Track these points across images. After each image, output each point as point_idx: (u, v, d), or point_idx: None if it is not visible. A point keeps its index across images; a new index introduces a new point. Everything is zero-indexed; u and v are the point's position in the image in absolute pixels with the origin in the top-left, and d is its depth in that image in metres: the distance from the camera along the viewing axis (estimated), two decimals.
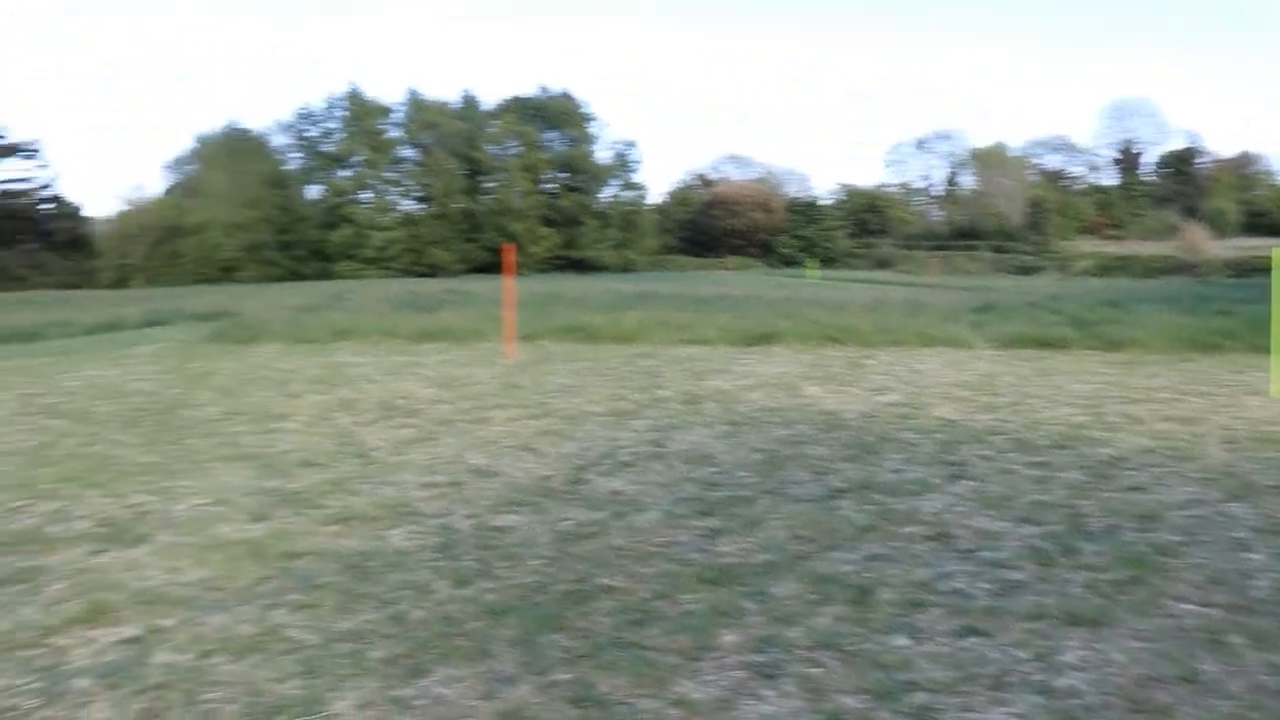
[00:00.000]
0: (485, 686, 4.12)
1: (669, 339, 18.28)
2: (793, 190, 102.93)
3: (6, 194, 75.86)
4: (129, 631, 4.81)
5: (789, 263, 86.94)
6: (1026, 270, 71.95)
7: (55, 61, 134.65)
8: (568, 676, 4.20)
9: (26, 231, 74.67)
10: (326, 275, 74.98)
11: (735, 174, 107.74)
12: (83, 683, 4.26)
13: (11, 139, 76.24)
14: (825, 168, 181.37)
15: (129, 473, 8.39)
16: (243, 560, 5.86)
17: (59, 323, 26.64)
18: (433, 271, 77.29)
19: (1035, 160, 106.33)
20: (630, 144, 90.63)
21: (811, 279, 59.52)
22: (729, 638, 4.58)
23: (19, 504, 7.42)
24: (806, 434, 9.33)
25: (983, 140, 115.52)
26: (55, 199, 78.76)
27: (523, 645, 4.52)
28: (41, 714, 4.00)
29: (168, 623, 4.91)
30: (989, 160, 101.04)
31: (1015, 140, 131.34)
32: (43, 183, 77.99)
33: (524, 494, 7.31)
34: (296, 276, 74.87)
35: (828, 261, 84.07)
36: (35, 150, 77.51)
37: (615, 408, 11.05)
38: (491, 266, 78.05)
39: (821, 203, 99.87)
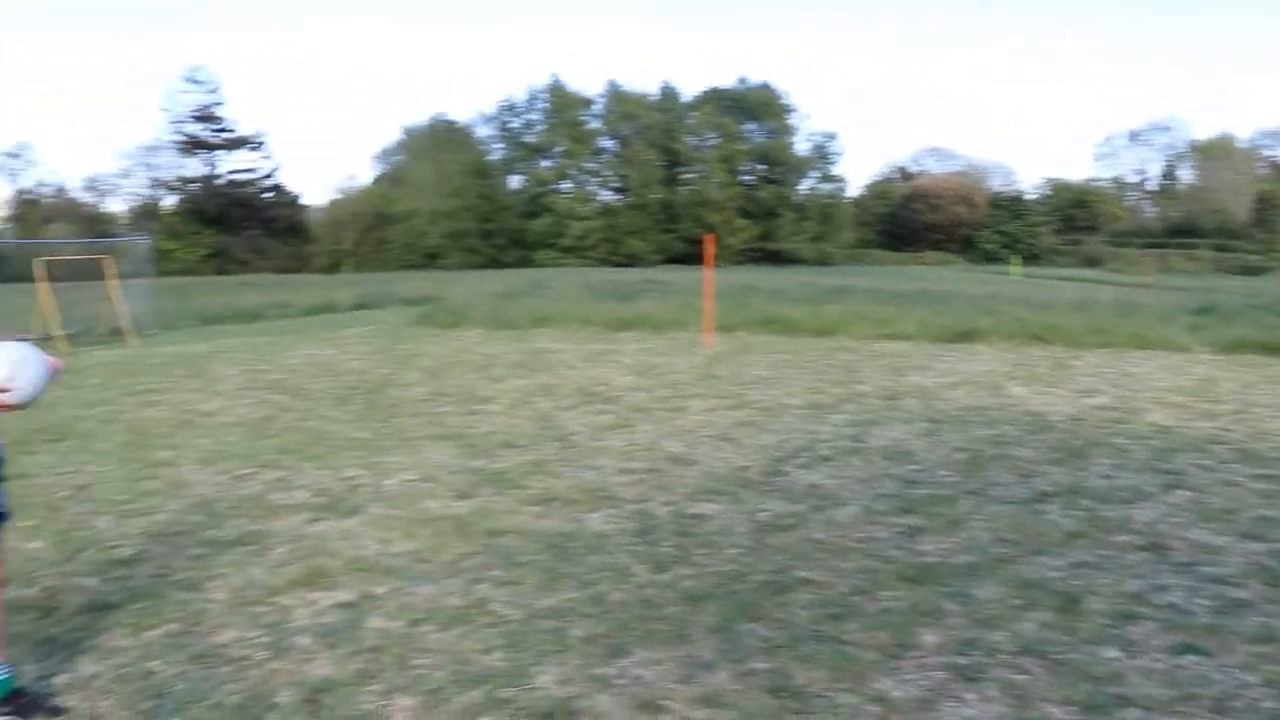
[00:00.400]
0: (683, 671, 4.16)
1: (867, 334, 18.02)
2: (996, 184, 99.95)
3: (234, 184, 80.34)
4: (345, 596, 5.06)
5: (990, 259, 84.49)
6: (1252, 271, 67.89)
7: (277, 55, 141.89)
8: (765, 666, 4.20)
9: (251, 219, 78.90)
10: (526, 263, 76.78)
11: (936, 167, 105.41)
12: (304, 640, 4.50)
13: (240, 132, 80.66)
14: (1031, 161, 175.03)
15: (342, 447, 8.80)
16: (449, 535, 6.08)
17: (278, 304, 28.14)
18: (630, 261, 78.19)
19: (1265, 152, 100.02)
20: (830, 136, 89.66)
21: (1015, 275, 57.63)
22: (929, 637, 4.50)
23: (245, 472, 7.89)
24: (1011, 435, 9.06)
25: (1205, 131, 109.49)
26: (276, 188, 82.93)
27: (721, 633, 4.55)
28: (270, 665, 4.25)
29: (380, 590, 5.14)
30: (1212, 153, 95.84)
31: (1242, 131, 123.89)
32: (266, 173, 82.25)
33: (721, 483, 7.34)
34: (497, 264, 76.90)
35: (1032, 258, 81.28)
36: (261, 142, 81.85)
37: (813, 401, 10.98)
38: (688, 257, 78.41)
39: (1027, 197, 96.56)
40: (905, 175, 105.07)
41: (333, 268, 76.76)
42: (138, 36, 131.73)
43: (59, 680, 4.13)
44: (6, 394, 3.44)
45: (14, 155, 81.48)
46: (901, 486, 7.20)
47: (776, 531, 6.14)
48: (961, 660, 4.26)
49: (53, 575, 5.48)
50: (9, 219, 77.82)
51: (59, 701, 3.93)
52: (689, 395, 11.43)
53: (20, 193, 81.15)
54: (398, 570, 5.44)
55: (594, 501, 6.86)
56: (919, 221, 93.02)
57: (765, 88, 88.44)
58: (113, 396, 11.89)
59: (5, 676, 3.83)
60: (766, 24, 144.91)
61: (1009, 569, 5.39)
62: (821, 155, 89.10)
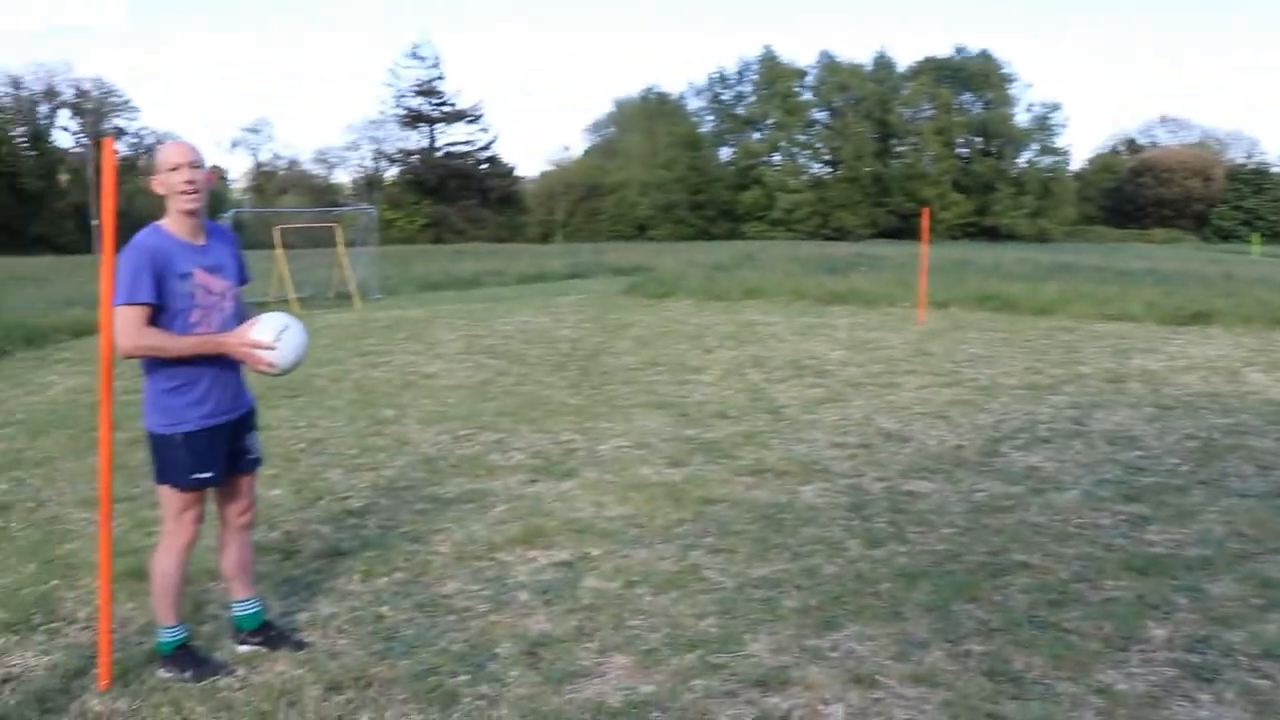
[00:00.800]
0: (897, 648, 4.11)
1: (1089, 313, 17.28)
2: (1237, 156, 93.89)
3: (452, 155, 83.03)
4: (561, 555, 5.21)
5: (1227, 237, 79.75)
6: None
7: (494, 28, 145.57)
8: (981, 648, 4.11)
9: (468, 189, 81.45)
10: (734, 235, 76.74)
11: (1168, 138, 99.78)
12: (523, 596, 4.66)
13: (459, 106, 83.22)
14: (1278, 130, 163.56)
15: (557, 412, 9.03)
16: (662, 501, 6.17)
17: (493, 272, 29.01)
18: (840, 235, 77.22)
19: None
20: (1054, 106, 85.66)
21: (1255, 255, 54.15)
22: (1158, 632, 4.30)
23: (465, 432, 8.19)
24: (1249, 424, 8.55)
25: None
26: (492, 159, 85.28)
27: (935, 612, 4.47)
28: (491, 617, 4.42)
29: (595, 551, 5.27)
30: None
31: None
32: (483, 144, 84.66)
33: (936, 462, 7.20)
34: (706, 236, 77.15)
35: (1274, 236, 76.23)
36: (479, 115, 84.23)
37: (1031, 381, 10.62)
38: (899, 232, 76.86)
39: (1272, 170, 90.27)
40: (1133, 147, 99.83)
41: (545, 237, 78.61)
42: (365, 14, 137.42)
43: (300, 618, 4.40)
44: (270, 353, 3.67)
45: (253, 130, 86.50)
46: (1126, 473, 6.90)
47: (993, 513, 5.98)
48: (1194, 659, 4.06)
49: (292, 521, 5.83)
50: (248, 189, 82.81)
51: (302, 636, 4.19)
52: (902, 371, 11.23)
53: (258, 165, 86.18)
54: (612, 533, 5.56)
55: (806, 474, 6.84)
56: (1147, 196, 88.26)
57: (984, 56, 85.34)
58: (341, 357, 12.52)
59: (255, 610, 4.10)
60: None
61: (1247, 566, 5.10)
62: (1043, 126, 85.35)
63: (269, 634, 4.09)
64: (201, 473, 3.74)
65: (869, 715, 3.60)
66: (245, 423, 3.96)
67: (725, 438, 7.93)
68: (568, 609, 4.49)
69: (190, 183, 3.64)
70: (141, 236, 3.65)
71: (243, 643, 4.07)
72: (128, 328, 3.55)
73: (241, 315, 3.90)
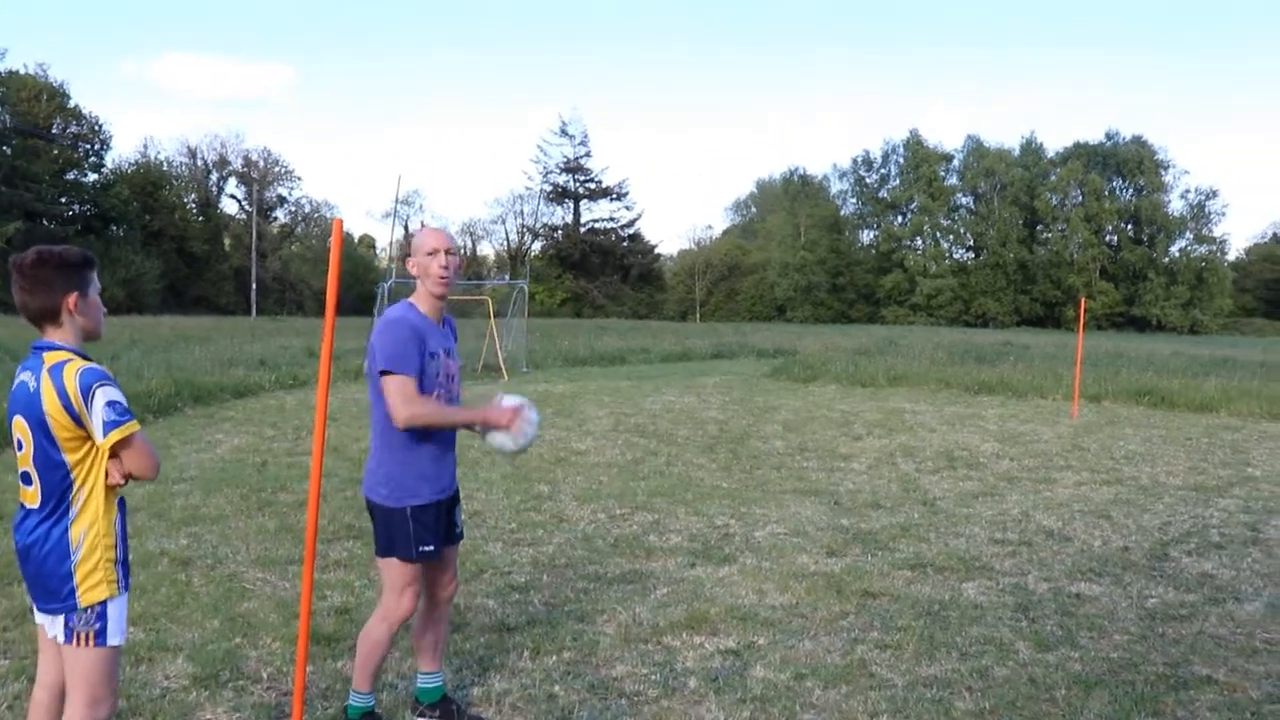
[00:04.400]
0: None
1: (1254, 411, 16.64)
2: None
3: (595, 230, 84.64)
4: (727, 643, 5.20)
5: None
6: None
7: (640, 107, 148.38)
8: None
9: (609, 265, 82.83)
10: (874, 319, 76.31)
11: None
12: (692, 682, 4.67)
13: (605, 182, 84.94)
14: None
15: (710, 494, 9.06)
16: (823, 592, 6.12)
17: (638, 349, 29.35)
18: (982, 321, 76.03)
19: None
20: (1210, 194, 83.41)
21: None
22: None
23: (621, 512, 8.27)
24: None
25: None
26: (634, 236, 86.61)
27: None
28: (663, 703, 4.43)
29: (760, 640, 5.25)
30: None
31: None
32: (626, 221, 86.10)
33: (1101, 564, 7.00)
34: (844, 319, 76.87)
35: None
36: (625, 193, 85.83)
37: (1196, 482, 10.26)
38: (1042, 320, 75.34)
39: None
40: None
41: (683, 315, 79.26)
42: (513, 91, 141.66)
43: (474, 692, 4.49)
44: (516, 428, 3.82)
45: (406, 202, 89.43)
46: None
47: (1169, 621, 5.78)
48: None
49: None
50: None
51: (479, 712, 4.27)
52: (1058, 467, 10.97)
53: (408, 234, 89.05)
54: (776, 623, 5.54)
55: (967, 571, 6.72)
56: None
57: (1137, 142, 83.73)
58: None
59: (438, 684, 4.20)
60: (1142, 74, 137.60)
61: None
62: (1198, 214, 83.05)
63: (448, 708, 4.18)
64: (426, 545, 3.85)
65: None
66: (456, 499, 4.09)
67: (881, 529, 7.84)
68: (738, 699, 4.48)
69: (444, 268, 3.80)
70: (402, 311, 3.80)
71: (421, 714, 4.16)
72: (405, 396, 3.67)
73: (459, 399, 4.05)
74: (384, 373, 3.68)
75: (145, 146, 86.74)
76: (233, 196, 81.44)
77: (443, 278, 3.79)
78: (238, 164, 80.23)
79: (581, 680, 4.66)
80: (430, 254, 3.80)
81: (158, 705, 4.23)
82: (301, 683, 3.88)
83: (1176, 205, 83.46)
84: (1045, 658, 5.12)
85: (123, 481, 2.95)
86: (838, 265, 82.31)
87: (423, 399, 3.71)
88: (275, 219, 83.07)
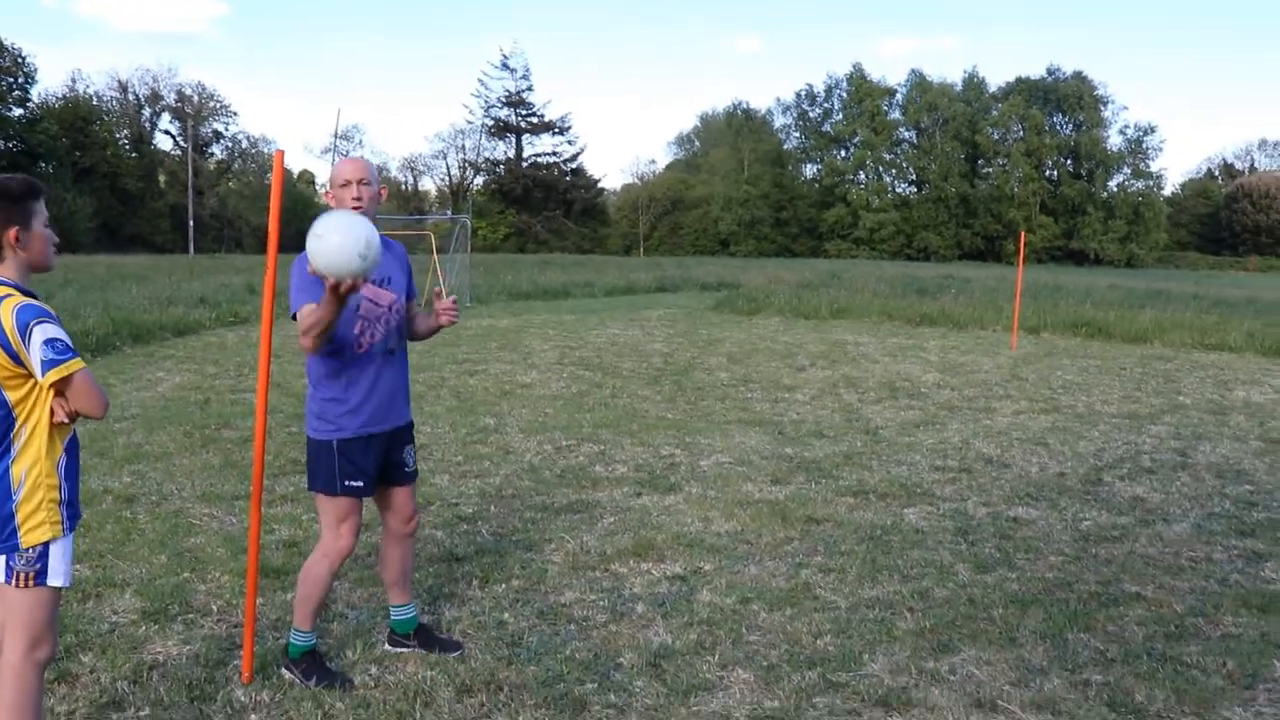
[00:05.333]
0: (1016, 674, 4.12)
1: (1186, 342, 17.01)
2: None
3: (538, 165, 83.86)
4: (674, 569, 5.29)
5: None
6: None
7: (582, 39, 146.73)
8: (1101, 679, 4.10)
9: (552, 200, 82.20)
10: (817, 253, 76.62)
11: (1267, 163, 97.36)
12: (640, 607, 4.75)
13: (547, 117, 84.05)
14: None
15: (655, 425, 9.13)
16: (768, 519, 6.23)
17: (582, 283, 29.28)
18: (924, 255, 76.63)
19: None
20: (1149, 129, 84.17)
21: None
22: None
23: (567, 443, 8.33)
24: None
25: None
26: (577, 171, 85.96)
27: (1051, 639, 4.47)
28: (611, 627, 4.51)
29: (706, 566, 5.35)
30: None
31: None
32: (569, 156, 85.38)
33: (1038, 489, 7.17)
34: (787, 253, 77.08)
35: None
36: (567, 127, 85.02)
37: (1130, 410, 10.51)
38: (983, 254, 76.06)
39: None
40: (1230, 172, 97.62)
41: (627, 250, 79.04)
42: (455, 24, 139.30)
43: (423, 620, 4.53)
44: (317, 230, 3.47)
45: (345, 138, 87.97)
46: (1237, 507, 6.81)
47: (1101, 542, 5.95)
48: None
49: None
50: None
51: (455, 637, 4.34)
52: (997, 396, 11.18)
53: None
54: (721, 549, 5.63)
55: (909, 497, 6.86)
56: (1244, 223, 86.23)
57: (1078, 77, 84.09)
58: (437, 364, 12.74)
59: (412, 615, 4.23)
60: (1082, 12, 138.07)
61: None
62: (1136, 150, 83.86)
63: (425, 635, 4.22)
64: (353, 481, 3.84)
65: None
66: (402, 435, 4.06)
67: (824, 457, 7.97)
68: (685, 622, 4.57)
69: (357, 199, 3.77)
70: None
71: (398, 644, 4.19)
72: (301, 326, 3.68)
73: (405, 330, 4.03)
74: (293, 317, 3.70)
75: (73, 81, 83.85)
76: (167, 132, 79.46)
77: (355, 209, 3.73)
78: (171, 99, 78.27)
79: (530, 607, 4.73)
80: (343, 185, 3.79)
81: (107, 639, 4.23)
82: (252, 614, 3.90)
83: (1115, 141, 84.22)
84: (983, 579, 5.26)
85: (68, 420, 2.91)
86: (781, 199, 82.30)
87: (306, 311, 3.64)
88: (212, 155, 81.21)
